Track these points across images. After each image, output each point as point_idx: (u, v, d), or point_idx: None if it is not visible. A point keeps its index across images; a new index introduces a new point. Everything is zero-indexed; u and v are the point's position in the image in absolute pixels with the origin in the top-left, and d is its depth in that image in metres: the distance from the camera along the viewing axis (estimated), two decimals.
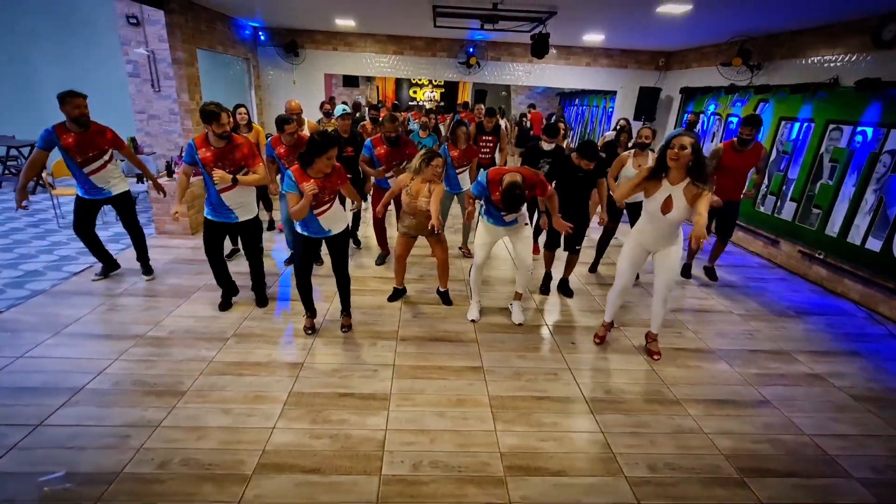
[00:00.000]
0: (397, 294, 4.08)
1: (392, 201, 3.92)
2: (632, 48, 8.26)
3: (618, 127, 7.13)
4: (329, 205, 3.18)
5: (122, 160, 5.22)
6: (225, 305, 3.77)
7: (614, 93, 9.42)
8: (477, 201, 3.58)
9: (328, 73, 8.65)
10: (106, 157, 3.84)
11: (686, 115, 7.54)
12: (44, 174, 5.80)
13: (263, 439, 2.39)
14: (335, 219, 3.26)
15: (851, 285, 4.59)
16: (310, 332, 3.46)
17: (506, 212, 3.34)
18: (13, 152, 7.61)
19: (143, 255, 4.30)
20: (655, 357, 3.37)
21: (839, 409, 2.91)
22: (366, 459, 2.30)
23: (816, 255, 4.96)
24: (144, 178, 5.69)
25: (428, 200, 3.56)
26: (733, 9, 4.75)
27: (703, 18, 5.22)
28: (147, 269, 4.32)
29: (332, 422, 2.55)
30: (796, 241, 5.27)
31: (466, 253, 5.33)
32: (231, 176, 3.31)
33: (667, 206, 2.87)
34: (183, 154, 3.45)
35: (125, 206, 4.10)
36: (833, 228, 4.83)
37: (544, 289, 4.47)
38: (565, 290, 4.45)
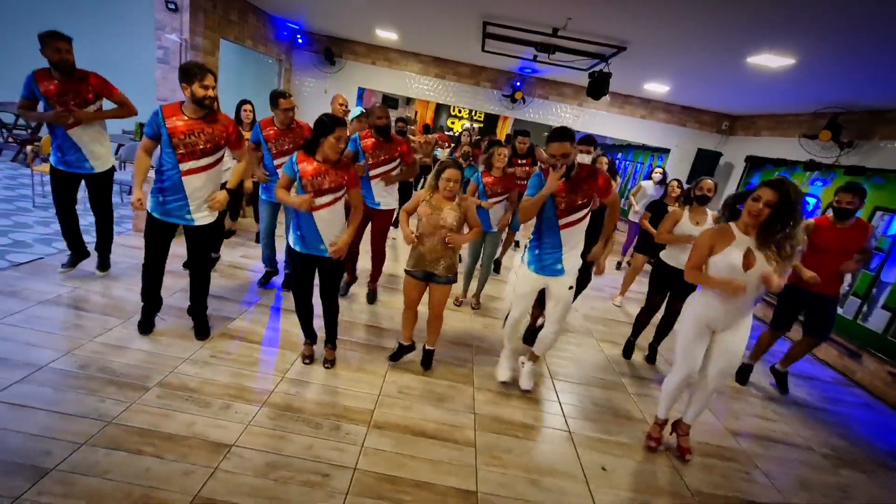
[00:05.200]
0: (403, 351, 3.24)
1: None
2: (694, 106, 7.51)
3: (656, 177, 6.33)
4: (332, 199, 2.65)
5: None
6: (146, 327, 2.98)
7: (664, 151, 8.65)
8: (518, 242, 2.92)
9: (364, 86, 8.15)
10: (90, 110, 3.26)
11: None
12: (28, 148, 5.30)
13: None
14: (335, 228, 2.72)
15: None
16: (307, 361, 3.01)
17: (556, 140, 2.57)
18: (21, 122, 7.20)
19: (104, 245, 3.66)
20: (686, 458, 2.75)
21: None
22: None
23: None
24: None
25: (457, 215, 2.80)
26: (839, 72, 3.95)
27: (796, 79, 4.43)
28: (104, 264, 3.67)
29: None
30: (887, 359, 4.25)
31: (475, 305, 4.51)
32: (225, 191, 2.85)
33: (749, 261, 2.31)
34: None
35: (102, 185, 3.52)
36: None
37: (528, 339, 3.72)
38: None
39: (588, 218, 2.82)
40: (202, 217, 2.85)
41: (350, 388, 2.86)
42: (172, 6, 7.46)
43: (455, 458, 2.43)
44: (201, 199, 2.81)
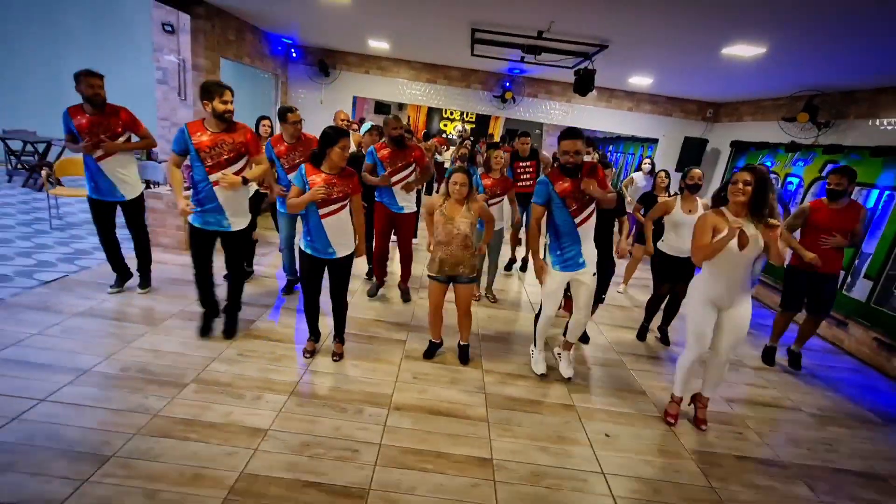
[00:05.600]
0: (434, 348, 3.47)
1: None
2: (679, 96, 7.76)
3: (646, 167, 6.60)
4: (338, 207, 2.88)
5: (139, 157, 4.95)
6: (206, 330, 3.28)
7: (653, 141, 8.89)
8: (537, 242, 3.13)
9: (358, 95, 8.39)
10: (117, 143, 3.51)
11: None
12: (43, 172, 5.52)
13: None
14: (342, 232, 2.95)
15: None
16: (308, 356, 3.21)
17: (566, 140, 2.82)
18: (29, 147, 7.43)
19: (144, 265, 3.90)
20: (702, 427, 2.99)
21: None
22: None
23: None
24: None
25: (469, 221, 3.05)
26: (809, 57, 4.20)
27: (771, 66, 4.68)
28: (144, 283, 3.91)
29: None
30: (871, 326, 4.48)
31: (493, 299, 4.75)
32: (241, 178, 3.01)
33: (743, 240, 2.54)
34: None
35: (134, 210, 3.76)
36: None
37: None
38: (583, 336, 4.04)
39: (596, 209, 3.02)
40: (237, 222, 3.13)
41: (369, 376, 3.09)
42: (169, 28, 7.73)
43: (470, 432, 2.66)
44: (234, 205, 3.08)
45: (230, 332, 3.31)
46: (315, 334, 3.27)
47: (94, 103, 3.34)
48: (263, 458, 2.24)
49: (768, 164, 6.44)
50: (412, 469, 2.31)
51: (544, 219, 3.07)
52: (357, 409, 2.73)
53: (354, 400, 2.81)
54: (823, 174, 5.40)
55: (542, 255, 3.21)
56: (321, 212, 2.85)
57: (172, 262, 4.55)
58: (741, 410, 3.30)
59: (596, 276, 3.13)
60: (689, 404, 3.11)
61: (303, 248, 3.00)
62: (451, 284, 3.24)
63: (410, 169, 4.04)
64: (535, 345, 3.46)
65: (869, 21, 3.16)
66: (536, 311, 3.42)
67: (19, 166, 7.27)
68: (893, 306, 4.32)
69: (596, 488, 2.36)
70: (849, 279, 4.84)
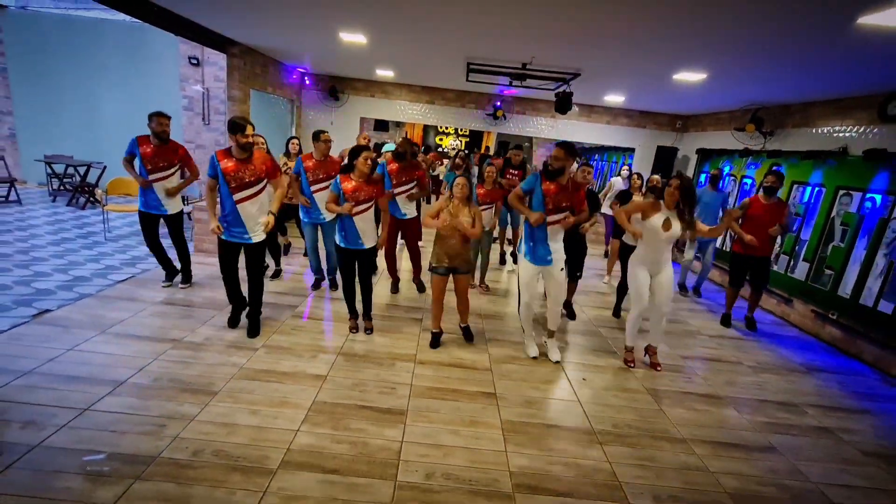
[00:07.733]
0: (437, 337, 3.92)
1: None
2: (650, 110, 8.71)
3: (624, 173, 7.55)
4: (365, 208, 3.72)
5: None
6: (234, 322, 3.86)
7: (631, 150, 9.83)
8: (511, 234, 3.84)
9: (364, 116, 9.28)
10: (171, 171, 4.33)
11: (707, 173, 7.83)
12: (98, 192, 6.33)
13: (288, 440, 2.55)
14: (369, 227, 3.77)
15: (865, 347, 4.62)
16: (355, 331, 4.00)
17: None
18: (70, 170, 8.24)
19: (185, 266, 4.67)
20: (658, 369, 3.87)
21: (847, 461, 2.94)
22: (382, 466, 2.44)
23: (829, 316, 5.02)
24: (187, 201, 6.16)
25: (470, 221, 3.65)
26: (746, 79, 5.12)
27: (716, 87, 5.60)
28: (186, 279, 4.67)
29: (352, 430, 2.70)
30: (809, 300, 5.35)
31: (486, 288, 5.56)
32: (272, 216, 3.69)
33: (667, 225, 3.54)
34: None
35: (174, 222, 4.53)
36: (845, 289, 4.91)
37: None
38: (569, 312, 4.96)
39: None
40: (256, 236, 3.72)
41: (397, 343, 3.90)
42: (195, 61, 8.65)
43: (478, 378, 3.47)
44: (255, 222, 3.66)
45: (254, 332, 3.73)
46: (354, 313, 4.05)
47: (160, 138, 4.18)
48: (327, 392, 3.04)
49: (727, 168, 7.36)
50: (437, 399, 3.12)
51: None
52: (390, 363, 3.54)
53: (387, 357, 3.62)
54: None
55: (517, 246, 4.04)
56: (353, 211, 3.66)
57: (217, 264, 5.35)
58: (692, 364, 4.13)
59: (563, 270, 3.73)
60: (644, 356, 3.99)
61: (338, 242, 3.81)
62: (450, 276, 3.85)
63: (413, 184, 4.83)
64: (524, 331, 4.06)
65: (784, 55, 4.04)
66: (518, 302, 4.07)
67: (61, 187, 8.06)
68: (824, 283, 5.19)
69: (574, 410, 3.17)
70: (791, 262, 5.71)
